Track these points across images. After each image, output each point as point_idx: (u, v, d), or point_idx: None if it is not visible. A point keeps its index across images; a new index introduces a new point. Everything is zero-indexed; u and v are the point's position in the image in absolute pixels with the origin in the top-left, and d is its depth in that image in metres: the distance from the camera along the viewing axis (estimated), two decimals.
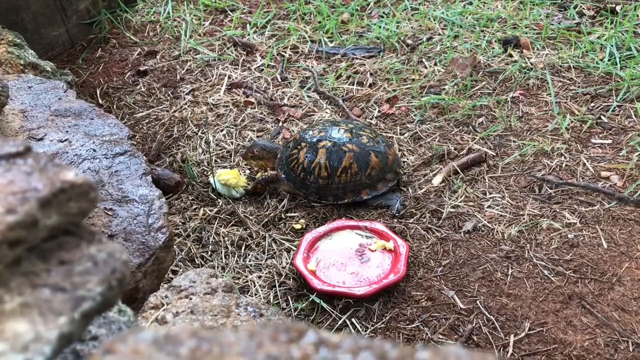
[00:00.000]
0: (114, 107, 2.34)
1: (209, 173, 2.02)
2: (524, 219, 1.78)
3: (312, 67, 2.48)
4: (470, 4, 2.71)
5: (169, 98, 2.37)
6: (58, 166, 0.59)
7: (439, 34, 2.56)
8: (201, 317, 1.17)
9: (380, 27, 2.61)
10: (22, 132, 1.47)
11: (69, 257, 0.55)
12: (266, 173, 1.95)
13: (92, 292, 0.52)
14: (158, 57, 2.58)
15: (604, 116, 2.09)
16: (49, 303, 0.49)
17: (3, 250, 0.48)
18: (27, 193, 0.53)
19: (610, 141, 2.00)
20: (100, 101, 2.36)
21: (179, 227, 1.85)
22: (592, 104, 2.14)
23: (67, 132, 1.49)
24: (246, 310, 1.22)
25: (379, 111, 2.24)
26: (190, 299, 1.22)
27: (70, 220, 0.57)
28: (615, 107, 2.10)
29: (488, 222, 1.79)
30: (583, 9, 2.58)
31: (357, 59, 2.50)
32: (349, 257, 1.72)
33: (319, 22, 2.70)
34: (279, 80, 2.44)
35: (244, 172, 2.04)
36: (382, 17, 2.72)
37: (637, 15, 2.47)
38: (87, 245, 0.57)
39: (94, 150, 1.45)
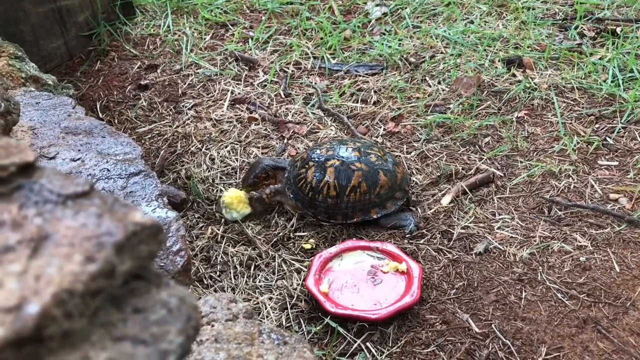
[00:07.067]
0: (115, 121, 2.30)
1: (216, 196, 1.97)
2: (534, 241, 1.78)
3: (315, 83, 2.47)
4: (472, 22, 2.72)
5: (171, 113, 2.34)
6: (125, 206, 0.56)
7: (442, 52, 2.57)
8: (226, 346, 1.14)
9: (382, 44, 2.61)
10: (33, 150, 1.43)
11: (142, 304, 0.52)
12: (271, 187, 1.92)
13: (173, 344, 0.49)
14: (159, 70, 2.54)
15: (610, 137, 2.10)
16: (132, 358, 0.47)
17: (87, 302, 0.46)
18: (101, 237, 0.50)
19: (617, 163, 2.01)
20: (100, 115, 2.32)
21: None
22: (597, 125, 2.15)
23: (79, 150, 1.46)
24: (270, 337, 1.19)
25: (384, 129, 2.23)
26: (213, 325, 1.18)
27: (141, 264, 0.54)
28: (620, 129, 2.12)
29: (499, 243, 1.78)
30: (584, 29, 2.60)
31: (360, 76, 2.49)
32: (361, 278, 1.69)
33: (321, 38, 2.69)
34: (282, 96, 2.42)
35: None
36: (384, 34, 2.72)
37: (638, 37, 2.50)
38: (157, 289, 0.55)
39: (108, 170, 1.41)
